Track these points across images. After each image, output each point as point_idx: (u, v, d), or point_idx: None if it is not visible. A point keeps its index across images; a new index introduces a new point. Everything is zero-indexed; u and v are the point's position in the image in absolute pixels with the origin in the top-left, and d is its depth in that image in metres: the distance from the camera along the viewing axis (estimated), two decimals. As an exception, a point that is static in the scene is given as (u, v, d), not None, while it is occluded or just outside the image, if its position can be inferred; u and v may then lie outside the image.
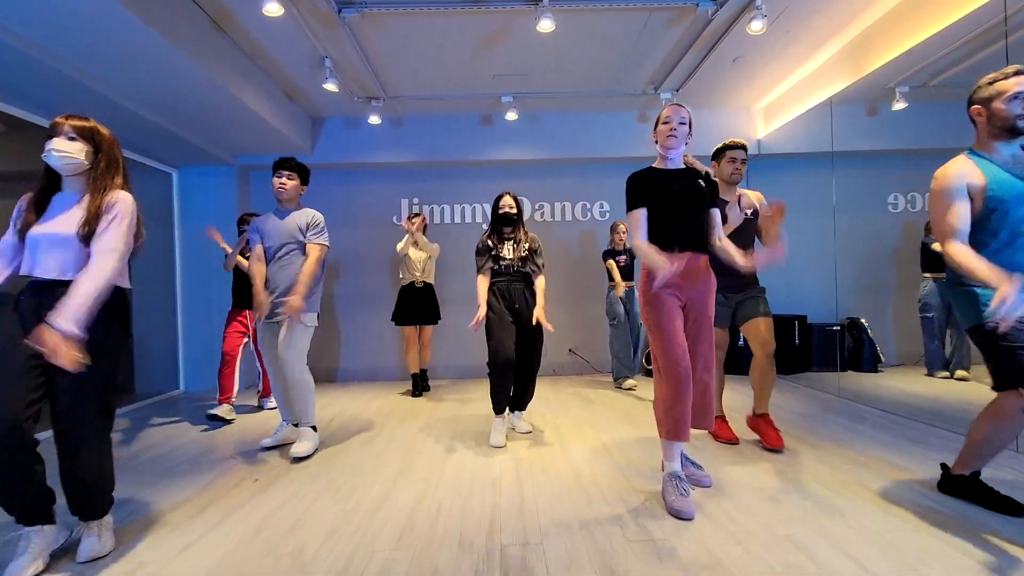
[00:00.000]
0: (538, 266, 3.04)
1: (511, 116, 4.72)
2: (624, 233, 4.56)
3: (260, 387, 4.12)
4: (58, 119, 1.80)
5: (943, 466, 2.14)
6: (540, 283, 3.00)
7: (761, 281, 2.88)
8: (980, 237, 1.84)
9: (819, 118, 4.35)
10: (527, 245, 3.03)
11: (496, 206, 3.07)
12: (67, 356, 1.52)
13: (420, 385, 4.48)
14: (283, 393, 2.99)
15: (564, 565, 1.65)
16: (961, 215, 1.82)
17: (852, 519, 1.91)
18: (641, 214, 2.13)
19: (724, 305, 2.79)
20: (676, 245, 2.11)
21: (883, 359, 4.98)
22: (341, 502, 2.21)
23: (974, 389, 3.96)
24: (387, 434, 3.27)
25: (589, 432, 3.19)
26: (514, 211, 3.05)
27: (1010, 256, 1.80)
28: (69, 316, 1.56)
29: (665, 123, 2.15)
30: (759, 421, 2.80)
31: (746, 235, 2.75)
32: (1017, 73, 1.83)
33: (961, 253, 1.77)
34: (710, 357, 2.14)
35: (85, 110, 3.49)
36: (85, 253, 1.71)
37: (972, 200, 1.84)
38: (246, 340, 3.86)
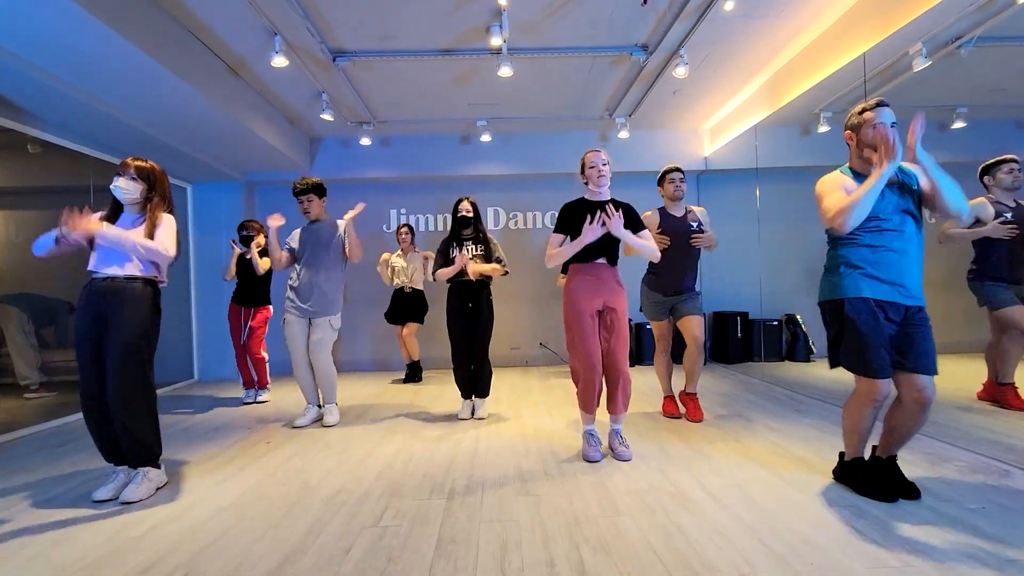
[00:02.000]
0: (499, 261, 3.52)
1: (486, 138, 5.38)
2: None
3: (256, 379, 4.44)
4: (126, 161, 2.43)
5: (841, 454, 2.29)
6: (495, 265, 3.49)
7: (709, 280, 3.54)
8: (854, 233, 2.06)
9: (747, 140, 5.03)
10: (483, 245, 3.52)
11: (456, 210, 3.59)
12: (83, 228, 2.22)
13: (413, 373, 5.14)
14: (310, 381, 3.55)
15: (495, 487, 2.32)
16: (841, 198, 2.03)
17: (714, 461, 2.59)
18: (560, 239, 2.74)
19: (661, 303, 3.40)
20: (596, 257, 2.73)
21: (814, 350, 5.68)
22: (335, 455, 2.87)
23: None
24: (375, 412, 3.94)
25: (542, 410, 3.86)
26: (470, 214, 3.52)
27: (872, 240, 2.03)
28: (111, 233, 2.29)
29: (592, 167, 2.72)
30: (687, 399, 3.46)
31: (693, 259, 3.38)
32: (879, 105, 2.05)
33: (846, 200, 1.97)
34: (625, 351, 2.70)
35: (118, 137, 4.17)
36: (139, 261, 2.36)
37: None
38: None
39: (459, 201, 3.62)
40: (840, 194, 2.05)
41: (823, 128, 5.08)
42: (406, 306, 5.04)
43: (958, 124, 5.19)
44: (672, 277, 3.35)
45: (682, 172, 3.41)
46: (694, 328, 3.29)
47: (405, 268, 5.03)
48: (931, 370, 1.97)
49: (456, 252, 3.51)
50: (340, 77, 4.16)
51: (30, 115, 3.64)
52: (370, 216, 6.03)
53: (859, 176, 2.11)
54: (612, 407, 2.73)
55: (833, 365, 2.13)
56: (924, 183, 2.07)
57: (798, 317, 5.81)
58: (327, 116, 4.55)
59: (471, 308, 3.49)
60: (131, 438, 2.30)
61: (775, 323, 5.84)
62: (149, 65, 3.06)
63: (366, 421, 3.62)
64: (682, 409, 3.51)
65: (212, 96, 3.69)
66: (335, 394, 3.60)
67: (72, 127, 3.91)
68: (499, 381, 5.11)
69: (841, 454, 2.28)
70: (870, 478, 2.12)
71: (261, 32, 3.47)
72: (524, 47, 3.85)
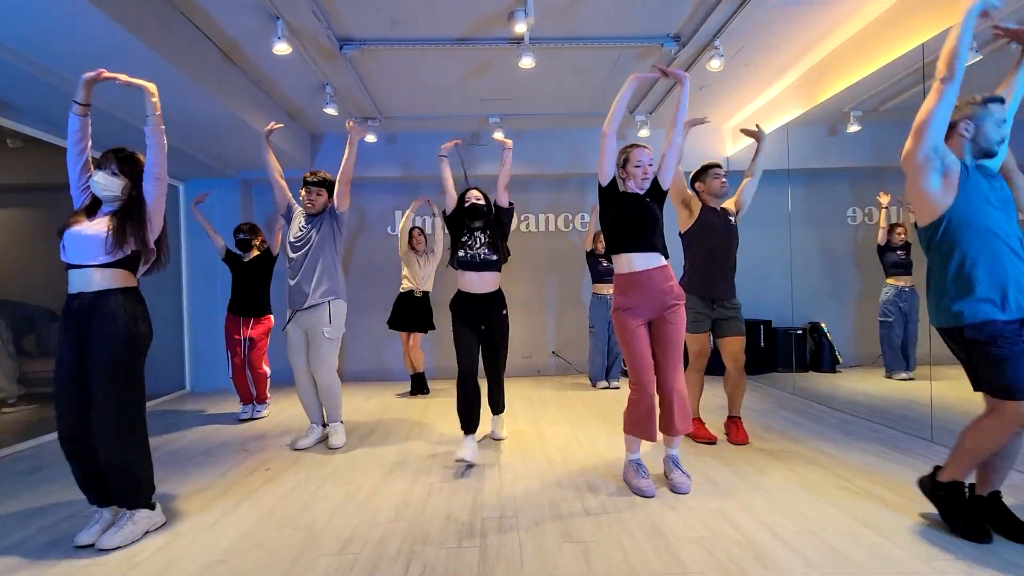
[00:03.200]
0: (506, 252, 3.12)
1: (498, 135, 5.07)
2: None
3: (255, 394, 4.11)
4: (108, 152, 2.12)
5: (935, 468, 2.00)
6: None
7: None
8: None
9: (778, 140, 4.75)
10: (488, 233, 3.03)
11: (463, 199, 3.04)
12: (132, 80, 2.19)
13: (418, 386, 4.79)
14: (312, 397, 3.23)
15: (531, 531, 2.01)
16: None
17: (775, 498, 2.29)
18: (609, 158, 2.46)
19: (704, 313, 3.07)
20: (642, 248, 2.40)
21: (841, 360, 5.40)
22: (343, 487, 2.55)
23: (918, 388, 4.40)
24: (382, 430, 3.61)
25: (565, 428, 3.55)
26: (482, 201, 3.02)
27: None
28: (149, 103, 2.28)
29: (638, 166, 2.43)
30: (730, 422, 3.17)
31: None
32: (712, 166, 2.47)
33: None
34: (679, 366, 2.40)
35: (102, 131, 3.82)
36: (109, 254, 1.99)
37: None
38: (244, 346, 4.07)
39: (466, 191, 3.11)
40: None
41: (853, 128, 4.82)
42: (414, 312, 4.70)
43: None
44: (713, 278, 3.09)
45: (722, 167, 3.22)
46: (736, 350, 3.09)
47: (418, 272, 4.73)
48: None
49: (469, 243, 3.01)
50: (346, 67, 3.84)
51: (3, 105, 3.30)
52: (374, 217, 5.72)
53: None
54: (667, 428, 2.43)
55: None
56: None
57: (823, 325, 5.54)
58: (331, 110, 4.23)
59: (485, 320, 3.00)
60: (119, 476, 1.98)
61: (799, 332, 5.57)
62: (130, 44, 2.73)
63: (373, 443, 3.30)
64: (715, 433, 3.19)
65: (203, 84, 3.36)
66: (340, 411, 3.27)
67: (48, 118, 3.57)
68: (512, 393, 4.80)
69: (937, 468, 1.96)
70: (965, 511, 1.86)
71: (261, 15, 3.15)
72: (548, 36, 3.54)
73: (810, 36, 3.68)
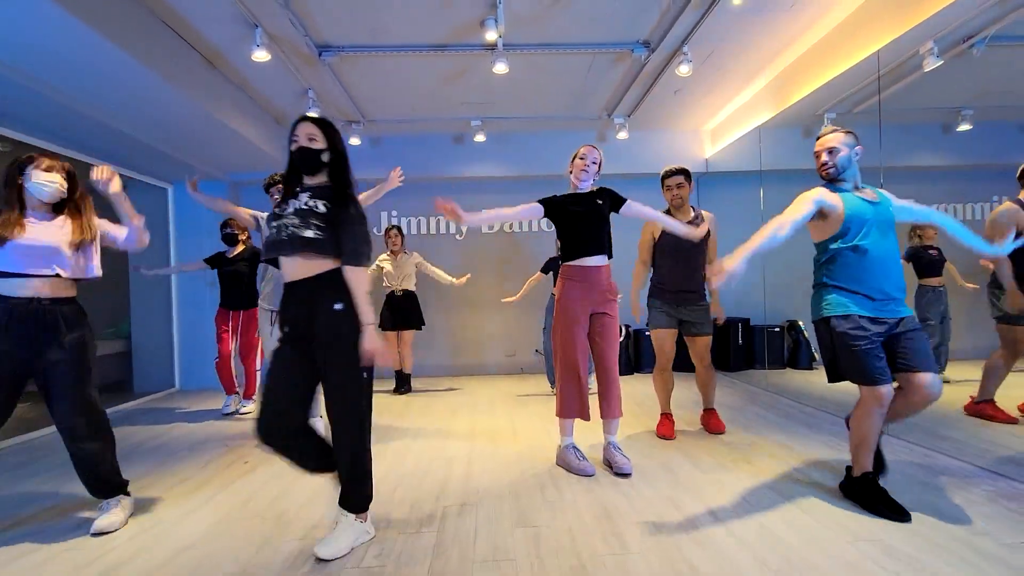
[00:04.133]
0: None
1: (480, 138, 5.18)
2: None
3: (245, 389, 4.25)
4: (34, 155, 2.11)
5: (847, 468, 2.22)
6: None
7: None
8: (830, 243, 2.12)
9: (750, 141, 4.86)
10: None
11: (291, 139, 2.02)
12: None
13: (402, 384, 4.87)
14: None
15: (490, 518, 2.12)
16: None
17: (726, 487, 2.40)
18: (533, 207, 2.66)
19: (665, 311, 3.18)
20: (583, 254, 2.61)
21: (817, 358, 5.52)
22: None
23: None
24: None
25: (538, 423, 3.66)
26: (317, 145, 1.97)
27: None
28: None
29: (581, 159, 2.65)
30: (706, 414, 3.33)
31: (699, 245, 3.10)
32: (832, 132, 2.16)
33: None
34: (613, 354, 2.65)
35: (89, 136, 3.93)
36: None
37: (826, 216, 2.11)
38: (234, 341, 4.22)
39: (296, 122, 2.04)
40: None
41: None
42: (401, 310, 4.78)
43: (964, 126, 5.06)
44: (677, 279, 3.19)
45: (683, 175, 3.19)
46: (701, 349, 3.22)
47: (393, 272, 4.80)
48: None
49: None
50: (327, 73, 3.95)
51: (-8, 111, 3.41)
52: (360, 218, 5.82)
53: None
54: (606, 411, 2.64)
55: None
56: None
57: (800, 324, 5.66)
58: (314, 114, 4.32)
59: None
60: (97, 471, 2.11)
61: (776, 329, 5.68)
62: (112, 52, 2.82)
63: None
64: (687, 429, 3.32)
65: (185, 89, 3.46)
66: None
67: (36, 123, 3.67)
68: (493, 390, 4.93)
69: (848, 468, 2.21)
70: (883, 496, 2.06)
71: (240, 23, 3.25)
72: (521, 43, 3.65)
73: (778, 41, 3.79)
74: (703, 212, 3.24)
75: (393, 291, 4.79)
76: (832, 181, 2.16)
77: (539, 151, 5.57)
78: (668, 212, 3.19)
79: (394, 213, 5.83)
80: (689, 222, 3.00)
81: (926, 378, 1.98)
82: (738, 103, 4.93)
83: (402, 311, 4.77)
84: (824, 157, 2.15)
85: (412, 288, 4.87)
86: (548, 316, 4.53)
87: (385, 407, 4.30)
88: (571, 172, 2.70)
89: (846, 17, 3.46)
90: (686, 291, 3.18)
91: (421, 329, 4.88)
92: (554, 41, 3.66)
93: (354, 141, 5.16)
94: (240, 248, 4.24)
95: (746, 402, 4.16)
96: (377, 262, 4.79)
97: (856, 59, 3.43)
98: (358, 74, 4.07)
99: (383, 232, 4.94)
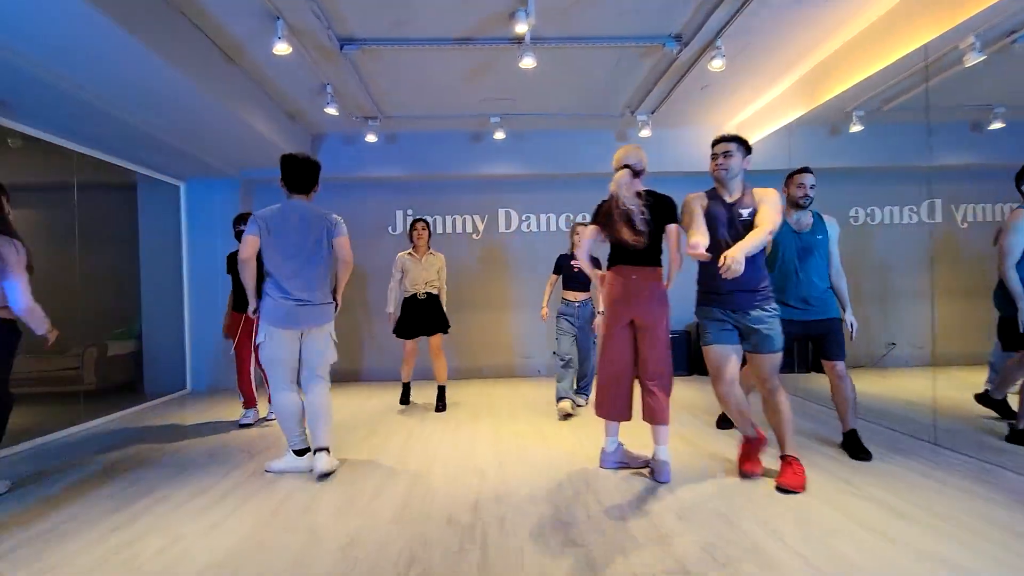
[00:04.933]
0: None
1: (499, 135, 5.07)
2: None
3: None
4: None
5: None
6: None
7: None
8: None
9: (780, 140, 4.73)
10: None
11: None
12: None
13: (408, 395, 4.41)
14: (301, 416, 2.78)
15: (534, 534, 2.00)
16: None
17: (780, 502, 2.28)
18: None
19: (726, 322, 2.48)
20: (627, 262, 2.60)
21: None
22: (343, 489, 2.54)
23: (918, 387, 4.41)
24: (383, 432, 3.61)
25: (565, 428, 3.54)
26: None
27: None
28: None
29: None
30: (782, 462, 2.49)
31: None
32: (802, 171, 3.05)
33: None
34: (659, 366, 2.59)
35: (104, 132, 3.83)
36: None
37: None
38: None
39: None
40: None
41: (855, 128, 4.81)
42: (424, 314, 4.16)
43: (996, 124, 4.93)
44: (735, 289, 2.44)
45: (736, 142, 2.53)
46: (763, 370, 2.45)
47: (416, 274, 4.15)
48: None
49: None
50: (347, 67, 3.84)
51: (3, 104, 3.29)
52: (375, 217, 5.71)
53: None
54: (651, 417, 2.61)
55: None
56: None
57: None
58: (331, 110, 4.22)
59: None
60: None
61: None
62: (131, 45, 2.71)
63: (373, 446, 3.29)
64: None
65: (205, 84, 3.35)
66: (287, 436, 2.81)
67: (50, 118, 3.57)
68: (512, 393, 4.81)
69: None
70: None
71: (261, 15, 3.14)
72: (549, 36, 3.53)
73: (813, 36, 3.66)
74: (757, 190, 2.54)
75: (415, 294, 4.18)
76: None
77: (558, 149, 5.45)
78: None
79: (409, 212, 5.72)
80: (735, 201, 2.50)
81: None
82: (766, 99, 4.80)
83: (426, 315, 4.16)
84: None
85: (435, 292, 4.26)
86: (560, 322, 4.04)
87: (402, 411, 4.19)
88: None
89: (887, 11, 3.33)
90: (746, 290, 2.44)
91: (448, 333, 4.28)
92: (583, 35, 3.54)
93: (370, 138, 5.05)
94: None
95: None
96: (398, 261, 4.22)
97: (900, 53, 3.30)
98: (378, 69, 3.96)
99: (408, 227, 4.32)
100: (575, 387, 4.14)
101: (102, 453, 3.25)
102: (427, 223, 4.31)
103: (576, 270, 3.96)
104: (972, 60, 3.29)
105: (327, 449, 2.73)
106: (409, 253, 4.24)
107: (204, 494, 2.52)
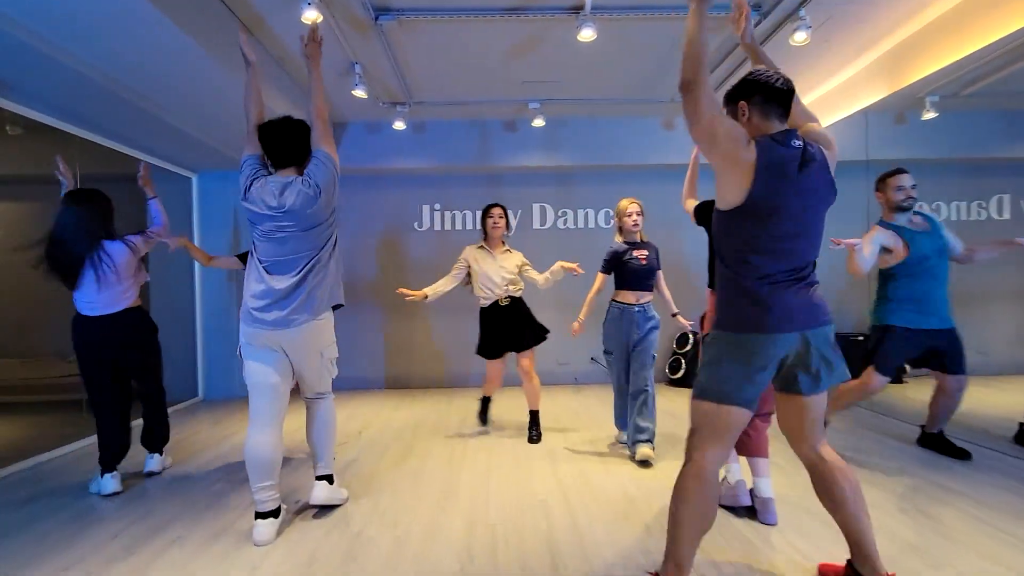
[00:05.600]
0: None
1: (538, 122, 4.65)
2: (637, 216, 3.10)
3: None
4: None
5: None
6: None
7: None
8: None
9: (853, 127, 4.30)
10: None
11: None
12: None
13: (487, 411, 3.68)
14: (277, 451, 2.12)
15: (639, 604, 1.60)
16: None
17: (930, 554, 1.86)
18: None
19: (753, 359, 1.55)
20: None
21: (908, 370, 4.95)
22: (390, 528, 2.15)
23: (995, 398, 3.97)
24: (420, 450, 3.21)
25: (624, 449, 3.14)
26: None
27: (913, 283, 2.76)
28: None
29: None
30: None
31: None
32: (898, 172, 2.87)
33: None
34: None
35: (113, 119, 3.46)
36: None
37: (892, 251, 2.75)
38: None
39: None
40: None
41: (928, 115, 4.37)
42: (510, 324, 3.32)
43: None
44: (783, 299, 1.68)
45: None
46: (804, 421, 1.60)
47: (492, 275, 3.30)
48: None
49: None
50: (379, 43, 3.43)
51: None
52: (400, 212, 5.31)
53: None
54: (747, 449, 2.22)
55: None
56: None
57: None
58: (360, 92, 3.82)
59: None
60: None
61: (860, 338, 5.12)
62: (142, 8, 2.33)
63: (412, 468, 2.90)
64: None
65: (221, 59, 2.97)
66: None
67: (49, 99, 3.19)
68: (552, 403, 4.38)
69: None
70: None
71: (288, -22, 2.75)
72: (611, 5, 3.12)
73: (900, 10, 3.23)
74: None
75: (496, 301, 3.33)
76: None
77: (598, 139, 5.03)
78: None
79: (436, 206, 5.32)
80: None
81: None
82: (833, 84, 4.36)
83: (513, 324, 3.33)
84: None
85: (519, 294, 3.43)
86: (608, 330, 3.14)
87: (436, 422, 3.79)
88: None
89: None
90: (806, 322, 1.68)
91: (542, 341, 3.41)
92: (650, 3, 3.12)
93: (398, 125, 4.65)
94: None
95: (852, 424, 3.61)
96: (465, 259, 3.41)
97: (998, 34, 2.87)
98: (413, 45, 3.56)
99: (481, 215, 3.48)
100: (636, 431, 2.89)
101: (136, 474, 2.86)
102: (504, 209, 3.47)
103: (643, 263, 3.03)
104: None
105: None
106: (480, 246, 3.42)
107: (225, 534, 2.14)
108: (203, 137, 4.00)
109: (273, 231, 2.05)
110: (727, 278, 1.57)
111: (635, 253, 3.07)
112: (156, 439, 2.90)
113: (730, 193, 1.51)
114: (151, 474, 2.86)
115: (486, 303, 3.36)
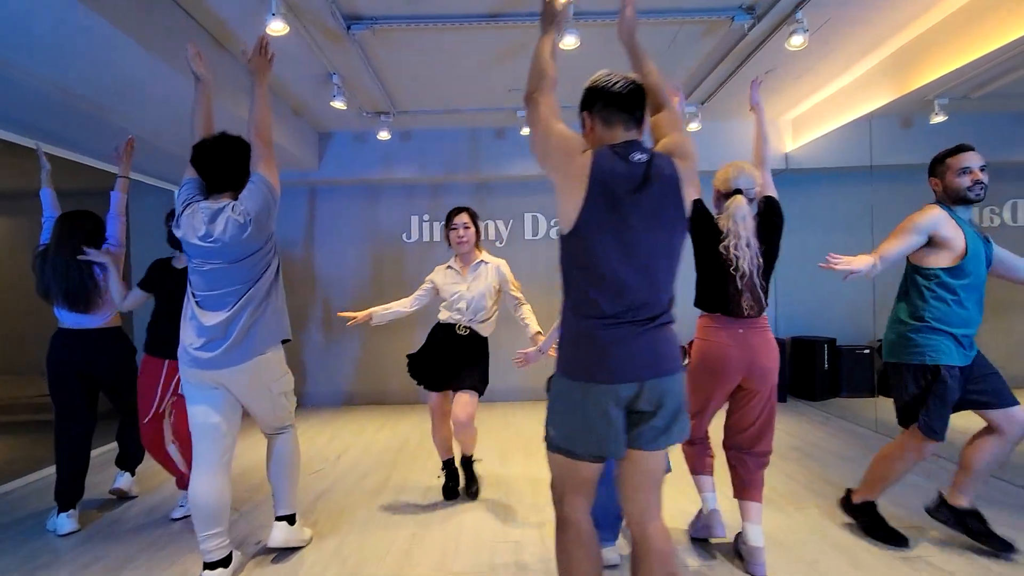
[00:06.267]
0: None
1: (526, 132, 4.49)
2: None
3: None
4: None
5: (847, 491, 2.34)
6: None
7: (786, 302, 2.62)
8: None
9: (856, 132, 4.10)
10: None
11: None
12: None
13: (456, 480, 2.81)
14: (224, 495, 1.95)
15: None
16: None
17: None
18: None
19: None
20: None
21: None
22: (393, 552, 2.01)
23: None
24: (397, 480, 3.06)
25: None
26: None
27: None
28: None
29: None
30: None
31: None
32: (961, 150, 2.05)
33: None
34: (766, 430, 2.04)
35: (86, 136, 3.36)
36: None
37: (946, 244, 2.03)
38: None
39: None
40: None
41: (937, 118, 4.16)
42: (458, 357, 2.69)
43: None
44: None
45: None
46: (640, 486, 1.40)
47: (453, 291, 2.70)
48: None
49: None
50: (355, 52, 3.30)
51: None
52: (388, 224, 5.18)
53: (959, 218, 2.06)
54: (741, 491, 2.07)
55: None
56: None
57: (895, 344, 4.87)
58: (338, 103, 3.69)
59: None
60: None
61: (866, 351, 4.91)
62: (106, 32, 2.22)
63: (385, 503, 2.75)
64: None
65: (188, 73, 2.84)
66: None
67: (31, 122, 3.10)
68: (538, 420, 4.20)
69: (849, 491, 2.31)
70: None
71: (253, -12, 2.62)
72: (594, 10, 2.96)
73: (904, 12, 3.04)
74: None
75: (455, 326, 2.69)
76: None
77: (592, 146, 4.87)
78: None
79: (425, 217, 5.18)
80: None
81: None
82: (834, 88, 4.17)
83: (464, 359, 2.69)
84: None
85: (485, 331, 2.74)
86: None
87: (417, 446, 3.64)
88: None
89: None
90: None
91: (483, 393, 2.67)
92: (637, 7, 2.95)
93: (383, 135, 4.51)
94: None
95: (859, 449, 3.42)
96: (432, 281, 2.80)
97: (1007, 38, 2.68)
98: (391, 54, 3.42)
99: (444, 224, 2.81)
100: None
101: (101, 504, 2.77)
102: (472, 215, 2.78)
103: None
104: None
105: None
106: (448, 266, 2.81)
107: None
108: (182, 152, 3.88)
109: (201, 264, 1.89)
110: (567, 313, 1.39)
111: None
112: (128, 458, 2.84)
113: (565, 213, 1.33)
114: (117, 492, 2.79)
115: (444, 320, 2.74)
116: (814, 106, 4.50)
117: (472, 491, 2.78)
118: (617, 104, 1.36)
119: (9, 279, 2.41)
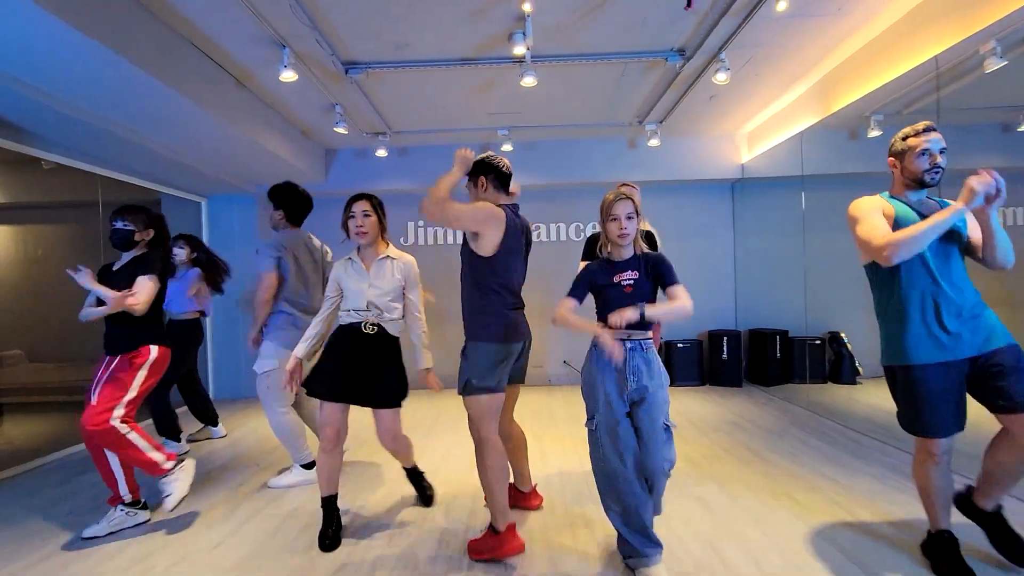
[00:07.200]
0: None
1: (507, 147, 5.10)
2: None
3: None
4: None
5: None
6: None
7: (745, 296, 3.13)
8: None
9: (792, 146, 4.64)
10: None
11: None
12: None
13: (334, 523, 2.31)
14: (303, 432, 3.06)
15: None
16: (883, 225, 1.82)
17: (770, 530, 2.26)
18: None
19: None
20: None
21: (861, 372, 5.25)
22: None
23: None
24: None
25: (571, 445, 3.56)
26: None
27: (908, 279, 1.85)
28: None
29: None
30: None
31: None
32: (927, 130, 1.85)
33: (905, 231, 1.75)
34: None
35: (124, 156, 4.02)
36: None
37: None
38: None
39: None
40: (881, 220, 1.85)
41: (874, 132, 4.68)
42: (370, 365, 2.31)
43: (1024, 127, 4.73)
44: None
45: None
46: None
47: (364, 291, 2.32)
48: None
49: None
50: (353, 89, 3.93)
51: (30, 134, 3.49)
52: (388, 229, 5.81)
53: (899, 201, 1.92)
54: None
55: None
56: (975, 234, 1.85)
57: (843, 335, 5.40)
58: (341, 129, 4.33)
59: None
60: None
61: (817, 342, 5.44)
62: (146, 81, 2.86)
63: (383, 458, 3.38)
64: None
65: (217, 110, 3.49)
66: (296, 452, 2.98)
67: (74, 145, 3.77)
68: (523, 408, 4.82)
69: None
70: (946, 555, 1.87)
71: (268, 44, 3.25)
72: (550, 54, 3.55)
73: (822, 45, 3.58)
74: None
75: (360, 325, 2.32)
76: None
77: (568, 158, 5.46)
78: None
79: (420, 223, 5.81)
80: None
81: None
82: (778, 107, 4.71)
83: (374, 366, 2.32)
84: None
85: (394, 329, 2.40)
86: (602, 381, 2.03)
87: (409, 420, 4.27)
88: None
89: (898, 20, 3.24)
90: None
91: (400, 406, 2.40)
92: (584, 51, 3.55)
93: (380, 153, 5.15)
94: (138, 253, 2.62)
95: (787, 424, 3.98)
96: (335, 280, 2.40)
97: (913, 62, 3.21)
98: (384, 89, 4.05)
99: (343, 212, 2.43)
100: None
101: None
102: (375, 202, 2.44)
103: (627, 291, 1.94)
104: (993, 65, 3.18)
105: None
106: (348, 258, 2.43)
107: (213, 510, 2.65)
108: (206, 170, 4.55)
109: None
110: (483, 304, 2.12)
111: (620, 277, 1.96)
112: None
113: (489, 245, 2.06)
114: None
115: (345, 321, 2.36)
116: (762, 122, 5.04)
117: (427, 496, 2.66)
118: (502, 180, 2.24)
119: (61, 276, 2.96)
